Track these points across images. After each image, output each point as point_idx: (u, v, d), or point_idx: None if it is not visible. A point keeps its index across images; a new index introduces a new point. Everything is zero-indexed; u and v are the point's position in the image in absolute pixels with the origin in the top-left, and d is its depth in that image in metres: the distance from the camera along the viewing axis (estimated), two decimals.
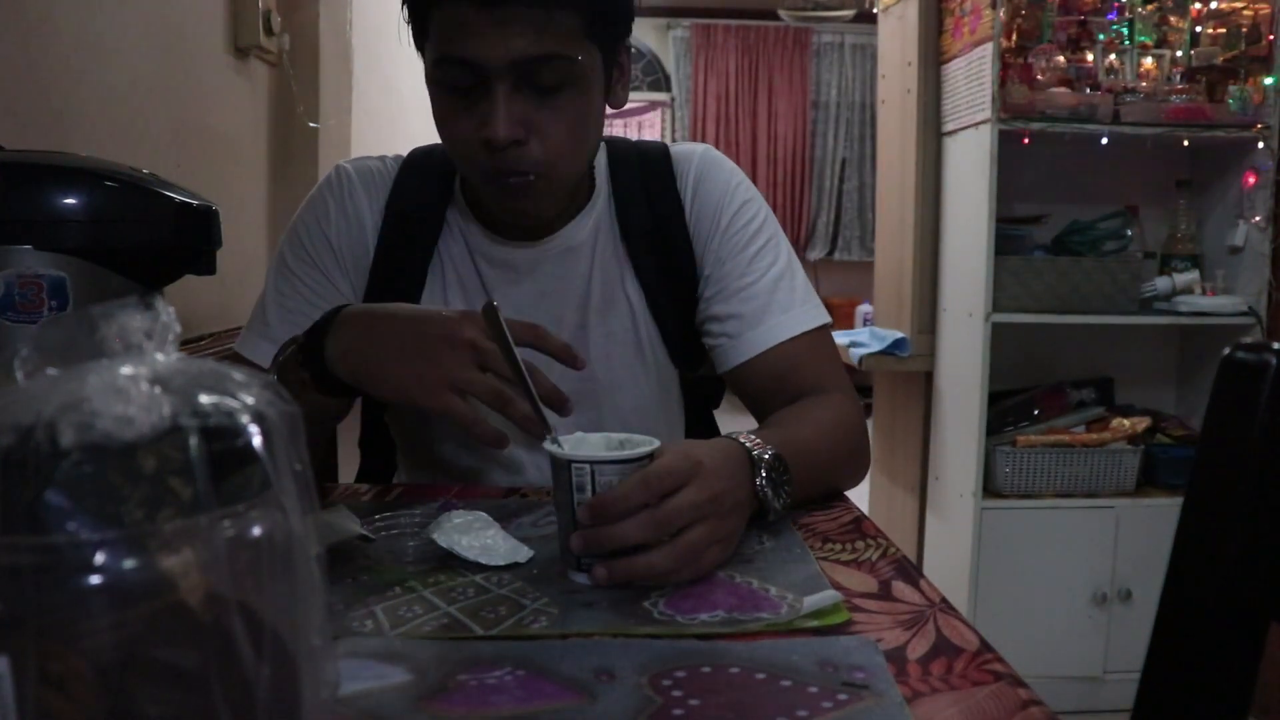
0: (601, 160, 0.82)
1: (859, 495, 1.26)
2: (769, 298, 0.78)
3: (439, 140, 0.84)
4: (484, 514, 0.60)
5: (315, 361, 0.64)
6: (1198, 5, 1.80)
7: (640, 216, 0.80)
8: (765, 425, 0.73)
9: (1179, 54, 1.80)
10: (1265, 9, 1.76)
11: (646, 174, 0.81)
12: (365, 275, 0.80)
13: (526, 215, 0.74)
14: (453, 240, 0.80)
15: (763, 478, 0.59)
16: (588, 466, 0.53)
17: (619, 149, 0.83)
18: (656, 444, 0.56)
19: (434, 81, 0.69)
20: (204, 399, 0.27)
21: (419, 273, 0.79)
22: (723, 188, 0.81)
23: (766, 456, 0.60)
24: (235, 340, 0.81)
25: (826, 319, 0.80)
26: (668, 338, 0.81)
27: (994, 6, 1.72)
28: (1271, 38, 1.75)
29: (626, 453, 0.54)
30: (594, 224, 0.80)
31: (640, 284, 0.80)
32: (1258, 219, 1.78)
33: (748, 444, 0.60)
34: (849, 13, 4.75)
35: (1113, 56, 1.79)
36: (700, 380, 0.87)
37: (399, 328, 0.63)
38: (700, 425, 0.90)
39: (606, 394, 0.80)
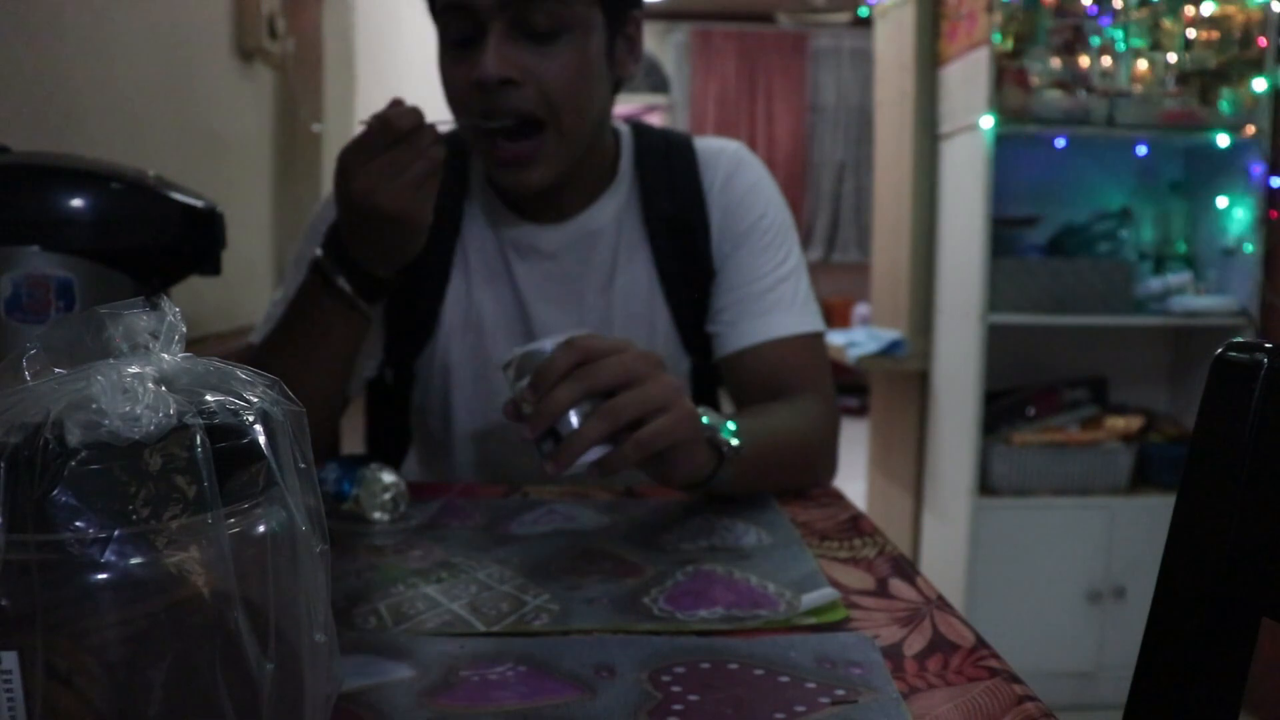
0: (627, 144, 0.83)
1: (856, 493, 1.27)
2: (771, 295, 0.79)
3: (445, 133, 0.85)
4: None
5: (344, 265, 0.68)
6: (1191, 9, 1.81)
7: (663, 205, 0.81)
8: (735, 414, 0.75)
9: (1172, 57, 1.82)
10: (1257, 13, 1.78)
11: (671, 163, 0.82)
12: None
13: (531, 186, 0.73)
14: (476, 225, 0.81)
15: (706, 417, 0.62)
16: (516, 358, 0.58)
17: (646, 135, 0.84)
18: (585, 330, 0.60)
19: (439, 38, 0.71)
20: (209, 398, 0.28)
21: (443, 263, 0.80)
22: (750, 187, 0.82)
23: (708, 409, 0.63)
24: (241, 339, 0.82)
25: (822, 328, 0.81)
26: (680, 326, 0.82)
27: (990, 10, 1.73)
28: (1264, 41, 1.76)
29: (551, 338, 0.58)
30: (617, 208, 0.81)
31: (658, 271, 0.81)
32: (1249, 221, 1.79)
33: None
34: (846, 16, 4.77)
35: (1107, 60, 1.80)
36: (708, 371, 0.87)
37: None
38: None
39: None
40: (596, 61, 0.72)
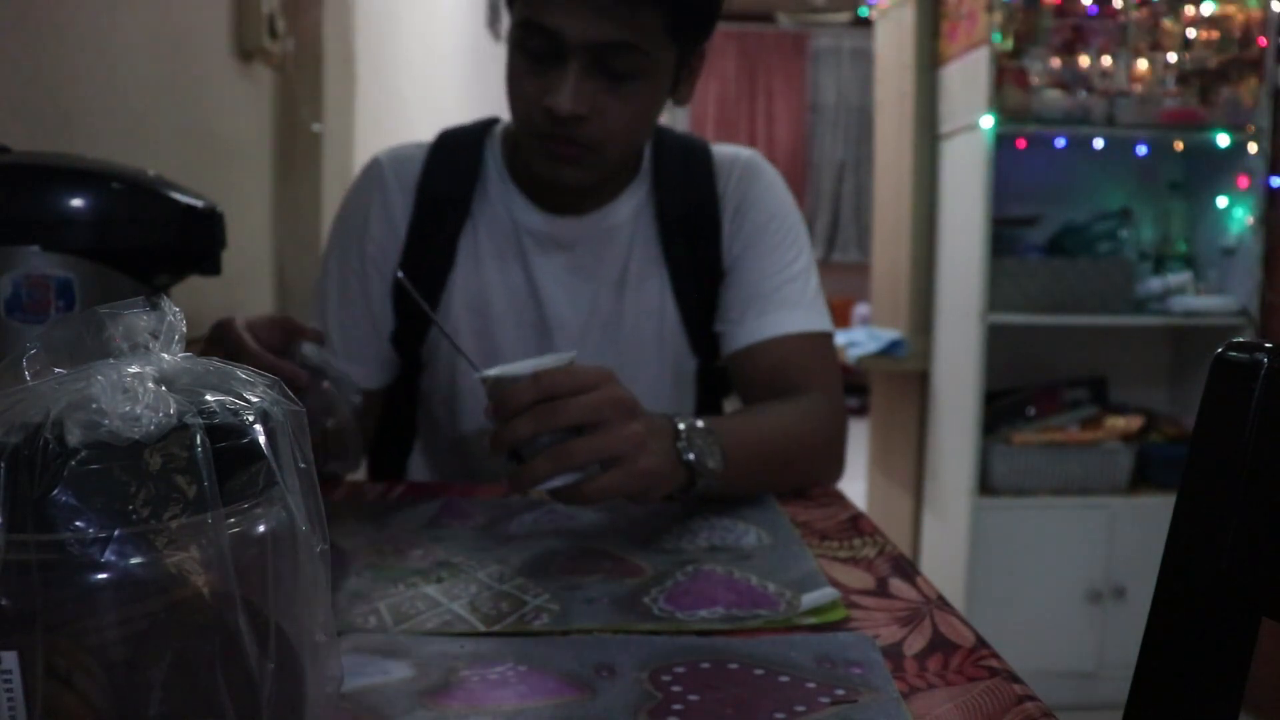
0: (648, 144, 0.83)
1: (856, 493, 1.27)
2: (780, 293, 0.80)
3: (448, 133, 0.85)
4: None
5: None
6: (1190, 9, 1.81)
7: (677, 205, 0.82)
8: (727, 414, 0.75)
9: (1172, 57, 1.82)
10: (1257, 13, 1.78)
11: (688, 166, 0.83)
12: (396, 263, 0.81)
13: (566, 182, 0.75)
14: (491, 212, 0.81)
15: (683, 439, 0.60)
16: (490, 380, 0.57)
17: (665, 137, 0.85)
18: (569, 355, 0.59)
19: (513, 41, 0.71)
20: (209, 398, 0.27)
21: (449, 247, 0.80)
22: (763, 190, 0.83)
23: (690, 423, 0.62)
24: None
25: (831, 329, 0.82)
26: (689, 325, 0.83)
27: (990, 10, 1.73)
28: (1264, 41, 1.76)
29: (525, 363, 0.57)
30: (635, 206, 0.82)
31: (669, 269, 0.82)
32: (1249, 220, 1.79)
33: (675, 418, 0.62)
34: (846, 16, 4.77)
35: (1107, 60, 1.80)
36: (714, 372, 0.88)
37: None
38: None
39: (630, 370, 0.81)
40: (661, 98, 0.74)
